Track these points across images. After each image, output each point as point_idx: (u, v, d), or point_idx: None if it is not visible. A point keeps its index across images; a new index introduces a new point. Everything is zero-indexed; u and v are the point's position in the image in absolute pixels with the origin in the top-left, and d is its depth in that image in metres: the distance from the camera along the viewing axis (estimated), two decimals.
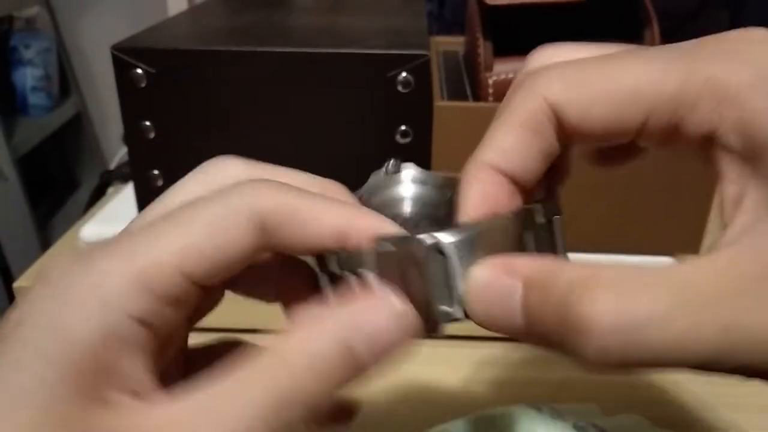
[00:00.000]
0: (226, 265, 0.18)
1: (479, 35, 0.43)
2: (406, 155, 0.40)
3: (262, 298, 0.22)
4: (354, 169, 0.41)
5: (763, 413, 0.38)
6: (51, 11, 1.41)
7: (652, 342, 0.14)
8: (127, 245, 0.17)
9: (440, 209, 0.22)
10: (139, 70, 0.38)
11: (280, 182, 0.19)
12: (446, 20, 0.84)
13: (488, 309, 0.17)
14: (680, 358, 0.14)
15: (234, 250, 0.17)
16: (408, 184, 0.24)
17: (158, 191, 0.41)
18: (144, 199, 0.42)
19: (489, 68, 0.42)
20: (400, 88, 0.38)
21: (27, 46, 1.34)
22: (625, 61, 0.18)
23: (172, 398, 0.16)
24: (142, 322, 0.16)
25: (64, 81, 1.46)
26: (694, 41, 0.18)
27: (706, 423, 0.37)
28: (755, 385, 0.41)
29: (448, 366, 0.41)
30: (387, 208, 0.23)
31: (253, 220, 0.18)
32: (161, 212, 0.19)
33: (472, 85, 0.46)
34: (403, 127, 0.39)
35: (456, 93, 0.46)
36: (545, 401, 0.35)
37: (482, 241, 0.18)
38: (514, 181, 0.19)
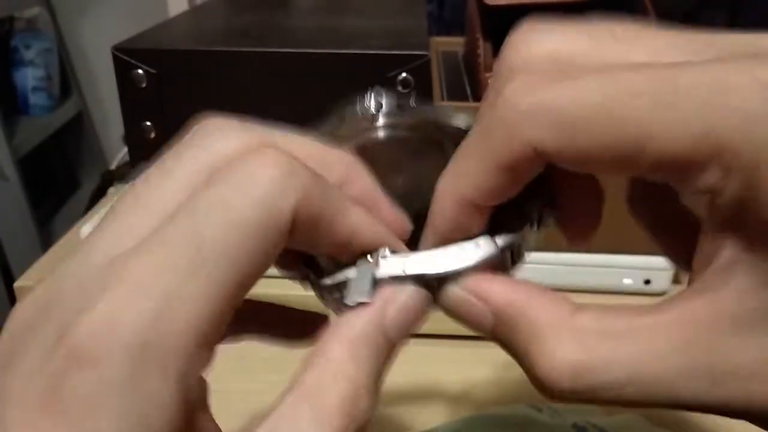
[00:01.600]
0: (262, 267, 0.16)
1: (479, 36, 0.43)
2: None
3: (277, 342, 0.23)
4: None
5: None
6: (52, 12, 1.41)
7: (602, 390, 0.16)
8: (171, 297, 0.14)
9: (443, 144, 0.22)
10: (140, 71, 0.38)
11: (309, 172, 0.16)
12: (446, 21, 0.84)
13: (462, 318, 0.18)
14: (639, 404, 0.16)
15: (270, 258, 0.16)
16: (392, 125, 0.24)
17: None
18: None
19: (488, 68, 0.42)
20: (400, 88, 0.38)
21: (28, 47, 1.35)
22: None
23: None
24: (202, 378, 0.15)
25: (65, 81, 1.46)
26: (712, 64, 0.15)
27: (703, 423, 0.37)
28: None
29: (447, 366, 0.41)
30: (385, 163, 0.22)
31: (289, 225, 0.16)
32: (151, 223, 0.15)
33: (471, 86, 0.46)
34: None
35: (456, 93, 0.46)
36: (545, 401, 0.35)
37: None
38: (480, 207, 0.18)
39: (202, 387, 0.15)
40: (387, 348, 0.17)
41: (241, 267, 0.15)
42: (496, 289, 0.18)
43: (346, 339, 0.17)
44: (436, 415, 0.34)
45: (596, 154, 0.15)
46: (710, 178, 0.15)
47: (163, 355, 0.13)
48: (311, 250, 0.18)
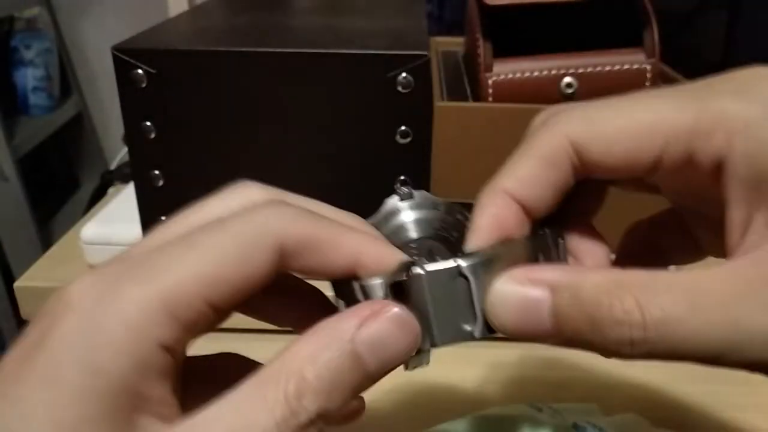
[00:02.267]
0: (247, 290, 0.18)
1: (479, 36, 0.43)
2: (406, 155, 0.40)
3: (275, 323, 0.23)
4: (354, 168, 0.42)
5: (759, 413, 0.38)
6: (52, 12, 1.41)
7: (670, 338, 0.16)
8: (150, 269, 0.17)
9: (451, 233, 0.24)
10: (140, 71, 0.38)
11: (301, 208, 0.19)
12: (446, 21, 0.84)
13: (516, 319, 0.18)
14: (692, 352, 0.16)
15: (256, 276, 0.18)
16: (419, 209, 0.25)
17: (159, 191, 0.41)
18: (145, 199, 0.42)
19: (489, 69, 0.42)
20: (400, 88, 0.38)
21: (28, 47, 1.35)
22: (641, 100, 0.19)
23: (191, 418, 0.17)
24: (169, 350, 0.17)
25: (65, 81, 1.46)
26: (703, 81, 0.19)
27: (703, 423, 0.37)
28: (752, 385, 0.41)
29: (447, 366, 0.41)
30: (401, 233, 0.24)
31: (276, 245, 0.18)
32: (180, 231, 0.19)
33: (471, 86, 0.46)
34: (403, 127, 0.39)
35: (456, 93, 0.46)
36: (545, 401, 0.35)
37: (500, 264, 0.19)
38: (526, 209, 0.20)
39: (171, 359, 0.17)
40: (352, 361, 0.17)
41: (226, 265, 0.17)
42: (544, 270, 0.18)
43: (311, 339, 0.17)
44: (435, 414, 0.34)
45: (619, 139, 0.19)
46: (716, 143, 0.18)
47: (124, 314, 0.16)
48: (323, 275, 0.20)
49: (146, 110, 0.39)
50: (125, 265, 0.17)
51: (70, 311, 0.17)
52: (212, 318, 0.18)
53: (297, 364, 0.17)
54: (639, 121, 0.19)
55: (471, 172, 0.41)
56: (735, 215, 0.18)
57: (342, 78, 0.38)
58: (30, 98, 1.37)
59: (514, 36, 0.42)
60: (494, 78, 0.42)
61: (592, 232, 0.22)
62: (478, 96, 0.43)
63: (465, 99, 0.45)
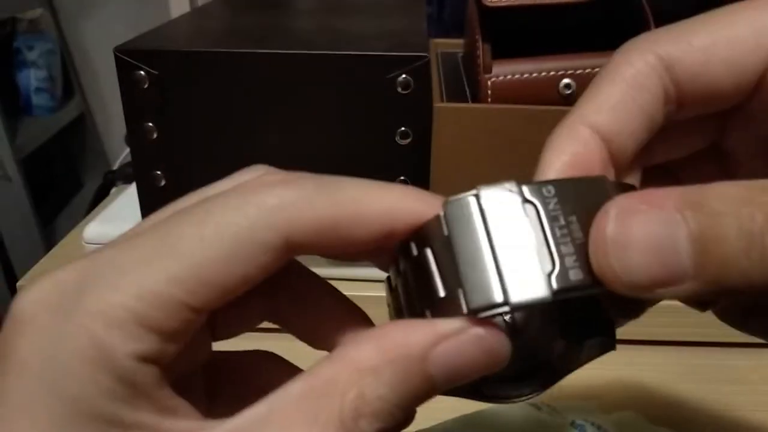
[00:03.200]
0: (240, 291, 0.15)
1: (478, 37, 0.43)
2: (406, 156, 0.41)
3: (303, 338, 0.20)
4: (354, 169, 0.42)
5: (757, 411, 0.38)
6: (54, 13, 1.42)
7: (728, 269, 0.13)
8: (116, 271, 0.14)
9: None
10: (142, 72, 0.38)
11: (309, 181, 0.16)
12: (445, 23, 0.84)
13: (646, 261, 0.13)
14: None
15: (253, 274, 0.15)
16: None
17: (161, 191, 0.41)
18: (147, 199, 0.42)
19: (488, 70, 0.42)
20: (399, 89, 0.38)
21: (30, 48, 1.35)
22: (738, 11, 0.16)
23: (223, 426, 0.15)
24: (149, 360, 0.14)
25: (68, 82, 1.46)
26: None
27: (701, 421, 0.37)
28: (750, 384, 0.41)
29: None
30: None
31: (278, 240, 0.15)
32: (162, 218, 0.16)
33: (471, 87, 0.47)
34: (402, 128, 0.39)
35: (455, 94, 0.46)
36: (543, 399, 0.35)
37: (576, 200, 0.15)
38: (611, 148, 0.17)
39: (153, 368, 0.15)
40: (422, 382, 0.14)
41: (208, 265, 0.15)
42: (660, 192, 0.14)
43: (374, 348, 0.15)
44: (434, 413, 0.34)
45: (718, 52, 0.16)
46: None
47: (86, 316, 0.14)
48: (349, 255, 0.17)
49: (148, 111, 0.40)
50: (89, 267, 0.15)
51: (27, 328, 0.14)
52: (200, 319, 0.15)
53: (355, 377, 0.14)
54: (740, 31, 0.16)
55: (470, 172, 0.41)
56: None
57: (342, 79, 0.39)
58: (33, 99, 1.37)
59: (513, 37, 0.42)
60: (493, 79, 0.42)
61: None
62: (477, 97, 0.43)
63: (464, 100, 0.45)
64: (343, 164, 0.41)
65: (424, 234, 0.15)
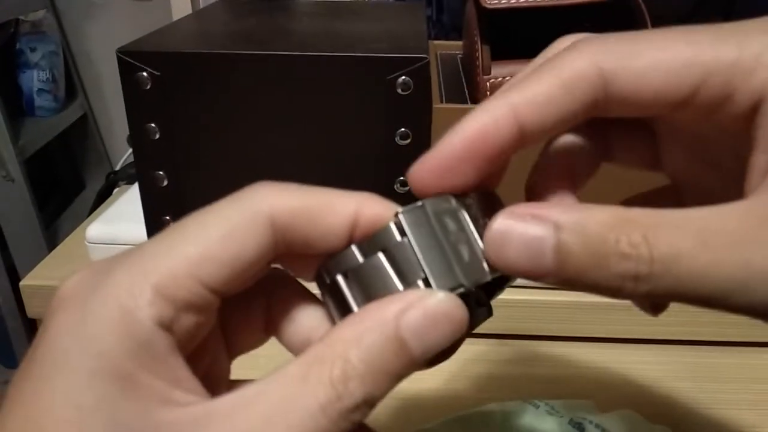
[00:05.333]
0: (242, 270, 0.18)
1: (477, 39, 0.43)
2: (406, 156, 0.41)
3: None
4: (354, 169, 0.42)
5: (753, 409, 0.38)
6: (57, 15, 1.42)
7: (676, 275, 0.15)
8: (141, 257, 0.17)
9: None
10: (144, 73, 0.39)
11: (290, 183, 0.19)
12: (444, 25, 0.84)
13: (516, 256, 0.17)
14: (698, 292, 0.16)
15: (249, 254, 0.18)
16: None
17: (163, 191, 0.42)
18: (149, 200, 0.43)
19: (487, 71, 0.43)
20: (399, 90, 0.39)
21: (33, 49, 1.35)
22: (679, 33, 0.18)
23: (230, 395, 0.17)
24: (165, 327, 0.17)
25: (70, 83, 1.47)
26: (744, 21, 0.18)
27: (698, 419, 0.38)
28: (745, 382, 0.41)
29: (445, 362, 0.41)
30: None
31: (266, 220, 0.18)
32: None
33: (470, 88, 0.47)
34: (402, 129, 0.40)
35: (454, 95, 0.46)
36: (542, 397, 0.35)
37: (486, 206, 0.19)
38: (521, 132, 0.18)
39: (170, 337, 0.17)
40: (398, 346, 0.17)
41: (213, 244, 0.17)
42: (550, 207, 0.17)
43: (355, 324, 0.17)
44: (433, 411, 0.35)
45: (655, 70, 0.17)
46: (757, 81, 0.16)
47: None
48: (324, 245, 0.19)
49: (150, 112, 0.40)
50: (118, 258, 0.18)
51: (66, 303, 0.17)
52: (210, 298, 0.17)
53: (341, 347, 0.17)
54: (678, 52, 0.17)
55: None
56: (760, 159, 0.17)
57: (343, 80, 0.39)
58: (35, 100, 1.38)
59: (512, 39, 0.42)
60: (492, 80, 0.43)
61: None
62: (476, 98, 0.44)
63: (463, 101, 0.46)
64: (343, 164, 0.41)
65: (375, 241, 0.18)
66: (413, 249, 0.18)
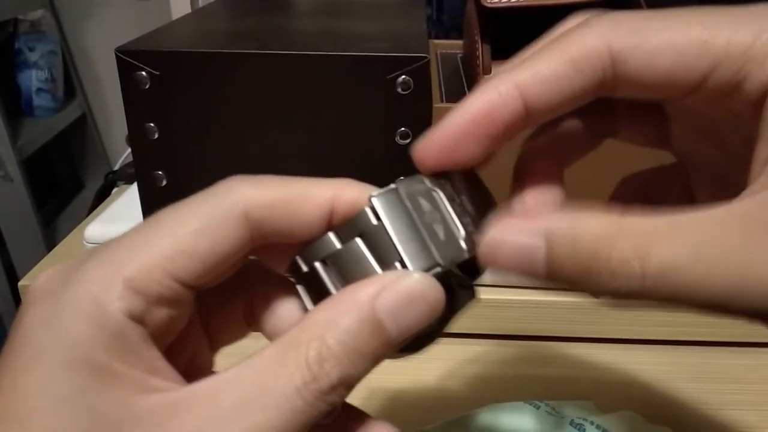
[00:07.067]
0: (215, 264, 0.18)
1: (478, 38, 0.43)
2: (407, 156, 0.41)
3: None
4: (354, 169, 0.42)
5: (754, 409, 0.38)
6: (56, 14, 1.42)
7: (670, 287, 0.15)
8: (115, 251, 0.17)
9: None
10: (143, 72, 0.39)
11: (266, 176, 0.19)
12: (444, 24, 0.84)
13: (510, 264, 0.17)
14: (693, 301, 0.15)
15: (222, 248, 0.18)
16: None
17: (162, 191, 0.42)
18: (148, 200, 0.42)
19: (487, 71, 0.43)
20: (399, 90, 0.38)
21: (32, 49, 1.35)
22: (694, 14, 0.17)
23: (209, 380, 0.17)
24: (136, 319, 0.17)
25: (69, 83, 1.47)
26: (757, 5, 0.17)
27: (699, 420, 0.38)
28: (746, 383, 0.41)
29: (445, 362, 0.41)
30: None
31: (238, 214, 0.18)
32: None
33: (470, 88, 0.47)
34: (402, 128, 0.40)
35: (454, 95, 0.46)
36: (542, 398, 0.35)
37: (463, 184, 0.19)
38: (528, 111, 0.18)
39: (142, 329, 0.17)
40: (373, 327, 0.17)
41: (185, 238, 0.17)
42: (542, 217, 0.17)
43: (331, 307, 0.17)
44: (433, 412, 0.35)
45: (666, 53, 0.17)
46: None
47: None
48: (302, 234, 0.19)
49: (149, 111, 0.40)
50: (91, 252, 0.18)
51: (39, 298, 0.17)
52: (183, 291, 0.17)
53: (317, 330, 0.17)
54: (692, 34, 0.17)
55: None
56: (762, 151, 0.16)
57: (343, 80, 0.39)
58: (34, 100, 1.37)
59: (513, 38, 0.42)
60: None
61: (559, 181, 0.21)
62: None
63: None
64: (343, 164, 0.41)
65: (352, 226, 0.18)
66: (387, 232, 0.18)
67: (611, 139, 0.22)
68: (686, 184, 0.22)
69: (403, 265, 0.17)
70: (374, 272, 0.18)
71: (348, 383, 0.17)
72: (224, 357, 0.22)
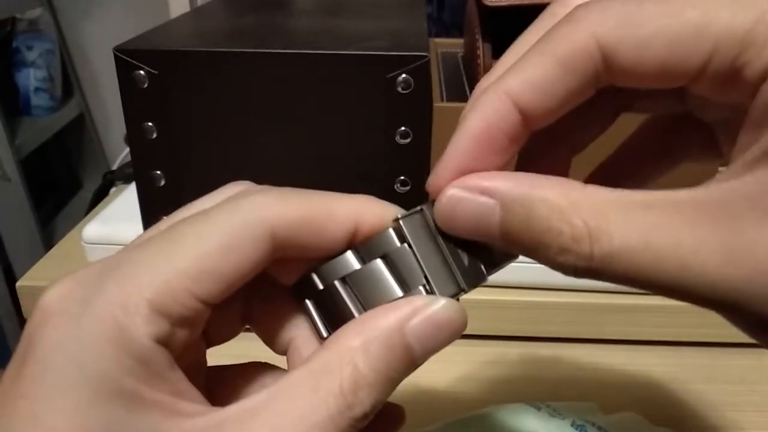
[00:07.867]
0: (238, 281, 0.17)
1: (478, 37, 0.43)
2: (407, 156, 0.41)
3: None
4: (354, 169, 0.42)
5: (757, 411, 0.38)
6: (53, 13, 1.42)
7: (616, 270, 0.15)
8: (135, 270, 0.16)
9: None
10: (142, 72, 0.38)
11: (288, 190, 0.18)
12: (445, 23, 0.84)
13: (465, 224, 0.17)
14: (639, 285, 0.15)
15: (247, 267, 0.17)
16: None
17: (160, 191, 0.41)
18: (147, 199, 0.42)
19: (488, 69, 0.42)
20: (400, 89, 0.38)
21: (30, 48, 1.35)
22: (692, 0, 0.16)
23: (238, 405, 0.17)
24: (162, 343, 0.16)
25: (67, 82, 1.46)
26: None
27: (701, 421, 0.37)
28: (749, 384, 0.41)
29: (446, 364, 0.41)
30: None
31: (266, 232, 0.17)
32: (164, 228, 0.18)
33: (471, 87, 0.47)
34: (403, 128, 0.39)
35: (455, 94, 0.46)
36: (543, 399, 0.35)
37: None
38: (526, 119, 0.18)
39: (167, 352, 0.17)
40: (403, 353, 0.17)
41: (210, 258, 0.17)
42: (499, 180, 0.17)
43: (361, 331, 0.17)
44: (433, 414, 0.34)
45: (659, 42, 0.16)
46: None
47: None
48: (324, 250, 0.19)
49: (148, 111, 0.40)
50: (107, 267, 0.17)
51: (54, 318, 0.16)
52: (204, 310, 0.17)
53: (348, 356, 0.16)
54: (686, 20, 0.15)
55: None
56: (742, 138, 0.16)
57: (342, 79, 0.39)
58: (32, 99, 1.37)
59: (513, 37, 0.42)
60: None
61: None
62: None
63: (464, 100, 0.45)
64: (343, 164, 0.41)
65: (374, 246, 0.18)
66: (415, 255, 0.18)
67: (610, 138, 0.22)
68: (710, 135, 0.21)
69: (428, 290, 0.18)
70: (395, 295, 0.18)
71: (377, 408, 0.17)
72: (215, 358, 0.22)
